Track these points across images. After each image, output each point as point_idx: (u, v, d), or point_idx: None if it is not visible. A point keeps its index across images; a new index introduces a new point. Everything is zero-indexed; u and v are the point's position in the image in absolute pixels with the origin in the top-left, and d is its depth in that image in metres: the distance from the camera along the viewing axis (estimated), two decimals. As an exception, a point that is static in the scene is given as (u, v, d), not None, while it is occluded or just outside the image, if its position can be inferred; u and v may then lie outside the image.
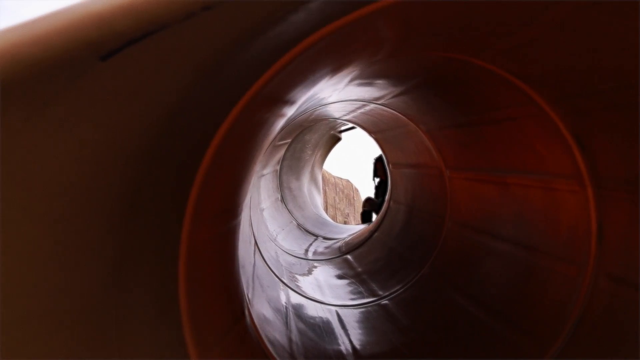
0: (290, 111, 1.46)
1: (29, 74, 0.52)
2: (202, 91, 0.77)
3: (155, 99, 0.69)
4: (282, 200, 5.30)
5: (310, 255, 3.89)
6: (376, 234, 3.82)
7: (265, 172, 4.54)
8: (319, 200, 6.92)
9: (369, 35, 1.14)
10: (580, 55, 1.26)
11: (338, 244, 4.22)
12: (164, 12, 0.58)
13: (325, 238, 4.64)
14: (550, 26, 1.18)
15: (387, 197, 4.13)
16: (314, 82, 1.39)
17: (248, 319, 1.42)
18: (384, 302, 2.63)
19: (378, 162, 5.99)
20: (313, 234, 4.76)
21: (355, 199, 9.46)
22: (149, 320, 0.89)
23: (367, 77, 2.08)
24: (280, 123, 1.47)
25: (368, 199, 6.33)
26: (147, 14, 0.57)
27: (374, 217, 5.80)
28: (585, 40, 1.19)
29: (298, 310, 2.31)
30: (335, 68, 1.42)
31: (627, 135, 1.34)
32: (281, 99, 1.23)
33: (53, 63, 0.53)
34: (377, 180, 6.19)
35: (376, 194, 6.21)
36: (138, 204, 0.79)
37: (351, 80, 1.98)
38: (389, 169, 4.09)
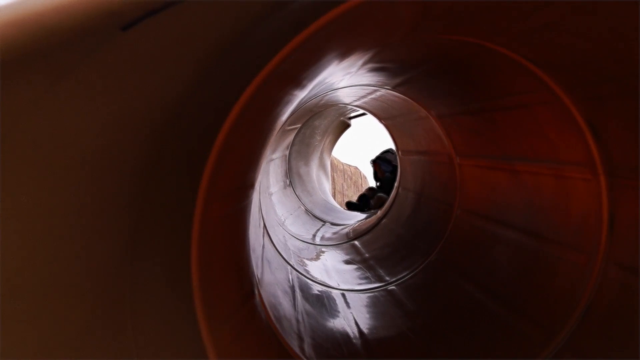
0: (302, 93, 1.45)
1: (50, 42, 0.53)
2: (219, 66, 0.77)
3: (174, 71, 0.69)
4: (291, 185, 5.31)
5: (318, 240, 3.90)
6: (384, 220, 3.82)
7: (274, 156, 4.54)
8: (327, 186, 6.92)
9: (385, 15, 1.13)
10: (597, 39, 1.25)
11: (346, 230, 4.22)
12: (184, -17, 0.58)
13: (333, 224, 4.64)
14: (567, 9, 1.17)
15: (395, 184, 4.12)
16: (328, 63, 1.39)
17: (257, 298, 1.43)
18: (391, 287, 2.64)
19: (374, 164, 6.03)
20: (321, 220, 4.76)
21: (363, 186, 9.45)
22: (161, 294, 0.90)
23: (379, 61, 2.06)
24: (292, 104, 1.47)
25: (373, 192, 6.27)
26: (168, -16, 0.57)
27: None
28: (602, 23, 1.17)
29: (306, 293, 2.33)
30: (350, 49, 1.42)
31: (642, 123, 1.33)
32: (295, 79, 1.23)
33: (74, 32, 0.53)
34: (378, 183, 6.20)
35: (380, 187, 6.20)
36: (155, 177, 0.79)
37: (364, 64, 1.97)
38: (399, 156, 4.08)
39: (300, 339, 1.69)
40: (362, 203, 6.07)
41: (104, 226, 0.73)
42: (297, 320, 1.83)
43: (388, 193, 5.23)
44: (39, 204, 0.61)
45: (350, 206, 6.15)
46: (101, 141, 0.66)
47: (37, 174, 0.60)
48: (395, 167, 5.71)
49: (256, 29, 0.78)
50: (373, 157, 6.11)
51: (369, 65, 2.08)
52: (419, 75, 2.34)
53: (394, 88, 2.78)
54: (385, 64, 2.17)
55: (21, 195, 0.58)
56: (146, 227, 0.83)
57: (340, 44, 1.26)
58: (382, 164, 5.90)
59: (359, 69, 2.06)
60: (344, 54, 1.43)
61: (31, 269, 0.62)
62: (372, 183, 6.72)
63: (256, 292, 1.42)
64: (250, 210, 1.45)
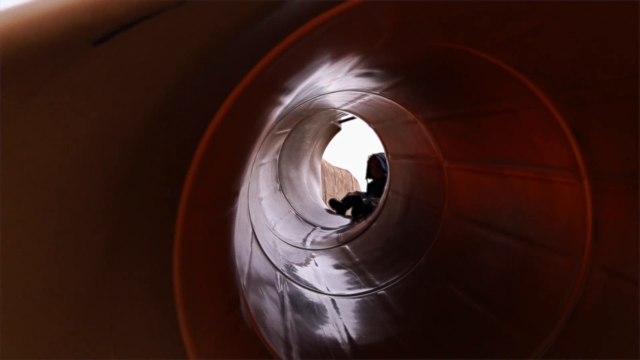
0: (287, 99, 1.45)
1: (21, 58, 0.52)
2: (197, 77, 0.77)
3: (149, 84, 0.69)
4: (281, 189, 5.30)
5: (308, 244, 3.89)
6: (374, 224, 3.83)
7: (264, 161, 4.53)
8: (317, 190, 6.91)
9: (366, 24, 1.13)
10: (579, 46, 1.26)
11: (336, 234, 4.22)
12: (157, -2, 0.58)
13: (323, 228, 4.65)
14: (549, 17, 1.18)
15: (385, 187, 4.13)
16: (312, 70, 1.39)
17: (243, 306, 1.42)
18: (381, 292, 2.64)
19: (372, 160, 5.87)
20: (311, 224, 4.76)
21: (354, 189, 9.46)
22: (143, 306, 0.90)
23: (365, 67, 2.07)
24: (277, 111, 1.47)
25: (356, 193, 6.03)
26: (140, -1, 0.57)
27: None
28: (584, 31, 1.18)
29: (294, 299, 2.32)
30: (334, 56, 1.42)
31: (625, 127, 1.34)
32: (278, 86, 1.23)
33: (46, 47, 0.53)
34: (369, 180, 6.03)
35: (367, 192, 6.04)
36: (133, 190, 0.79)
37: (350, 70, 1.97)
38: (388, 160, 4.08)
39: (288, 346, 1.68)
40: (346, 204, 5.85)
41: (81, 240, 0.72)
42: (285, 328, 1.82)
43: (379, 194, 5.19)
44: (14, 218, 0.61)
45: (333, 204, 5.88)
46: (77, 154, 0.65)
47: (13, 189, 0.59)
48: None
49: (237, 38, 0.78)
50: (372, 153, 5.89)
51: (355, 71, 2.08)
52: (406, 81, 2.35)
53: (381, 93, 2.78)
54: (371, 69, 2.18)
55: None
56: (126, 239, 0.82)
57: (324, 51, 1.26)
58: (383, 163, 5.64)
59: (345, 74, 2.06)
60: (329, 60, 1.43)
61: (10, 282, 0.62)
62: (364, 185, 6.52)
63: (242, 300, 1.42)
64: (235, 217, 1.45)
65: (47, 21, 0.53)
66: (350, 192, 6.27)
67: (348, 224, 4.72)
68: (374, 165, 5.79)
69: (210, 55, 0.75)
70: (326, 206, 6.25)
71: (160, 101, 0.73)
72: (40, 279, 0.66)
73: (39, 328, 0.68)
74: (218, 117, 0.93)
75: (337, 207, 5.74)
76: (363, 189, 6.64)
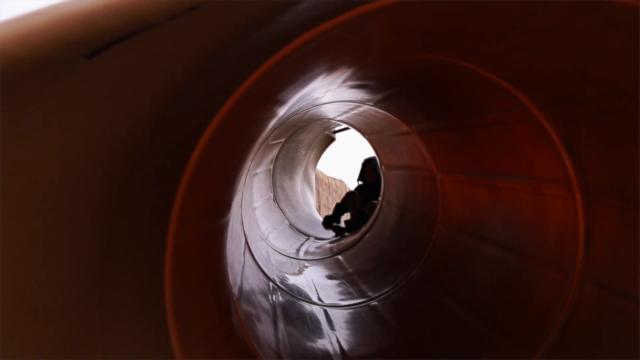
0: (280, 111, 1.46)
1: (13, 72, 0.52)
2: (188, 91, 0.77)
3: (140, 97, 0.69)
4: (275, 199, 5.29)
5: (301, 255, 3.88)
6: (368, 235, 3.83)
7: (258, 171, 4.53)
8: (311, 200, 6.90)
9: (358, 38, 1.14)
10: (570, 61, 1.27)
11: (329, 244, 4.22)
12: (149, 12, 0.58)
13: (317, 238, 4.63)
14: (540, 32, 1.19)
15: (379, 198, 4.12)
16: (306, 83, 1.40)
17: (234, 317, 1.42)
18: (374, 303, 2.64)
19: (367, 164, 5.77)
20: (305, 234, 4.75)
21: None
22: (133, 318, 0.89)
23: (359, 79, 2.08)
24: (270, 123, 1.47)
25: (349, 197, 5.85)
26: (133, 13, 0.58)
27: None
28: (575, 46, 1.19)
29: (287, 310, 2.31)
30: (328, 69, 1.43)
31: (616, 141, 1.35)
32: (271, 99, 1.23)
33: (38, 61, 0.53)
34: (360, 182, 5.90)
35: (358, 188, 5.88)
36: (124, 201, 0.79)
37: (344, 82, 1.98)
38: (382, 170, 4.09)
39: (280, 357, 1.68)
40: (336, 214, 5.61)
41: (71, 250, 0.72)
42: (277, 339, 1.81)
43: (371, 197, 5.15)
44: (5, 232, 0.60)
45: (327, 221, 5.62)
46: (68, 166, 0.65)
47: (2, 203, 0.59)
48: None
49: (229, 51, 0.79)
50: (368, 156, 5.76)
51: (349, 83, 2.09)
52: (399, 92, 2.36)
53: (375, 104, 2.80)
54: (365, 81, 2.19)
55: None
56: (117, 249, 0.82)
57: (317, 64, 1.27)
58: (378, 167, 5.49)
59: (339, 86, 2.07)
60: (323, 72, 1.44)
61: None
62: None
63: (233, 311, 1.41)
64: (228, 228, 1.45)
65: (39, 35, 0.53)
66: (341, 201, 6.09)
67: (341, 236, 4.70)
68: (369, 168, 5.71)
69: (203, 68, 0.76)
70: (320, 216, 6.17)
71: (152, 113, 0.73)
72: (28, 287, 0.66)
73: (26, 338, 0.67)
74: (211, 129, 0.93)
75: (331, 221, 5.60)
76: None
